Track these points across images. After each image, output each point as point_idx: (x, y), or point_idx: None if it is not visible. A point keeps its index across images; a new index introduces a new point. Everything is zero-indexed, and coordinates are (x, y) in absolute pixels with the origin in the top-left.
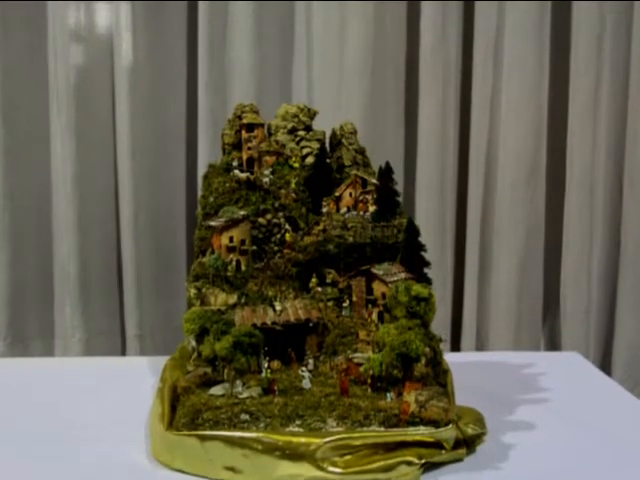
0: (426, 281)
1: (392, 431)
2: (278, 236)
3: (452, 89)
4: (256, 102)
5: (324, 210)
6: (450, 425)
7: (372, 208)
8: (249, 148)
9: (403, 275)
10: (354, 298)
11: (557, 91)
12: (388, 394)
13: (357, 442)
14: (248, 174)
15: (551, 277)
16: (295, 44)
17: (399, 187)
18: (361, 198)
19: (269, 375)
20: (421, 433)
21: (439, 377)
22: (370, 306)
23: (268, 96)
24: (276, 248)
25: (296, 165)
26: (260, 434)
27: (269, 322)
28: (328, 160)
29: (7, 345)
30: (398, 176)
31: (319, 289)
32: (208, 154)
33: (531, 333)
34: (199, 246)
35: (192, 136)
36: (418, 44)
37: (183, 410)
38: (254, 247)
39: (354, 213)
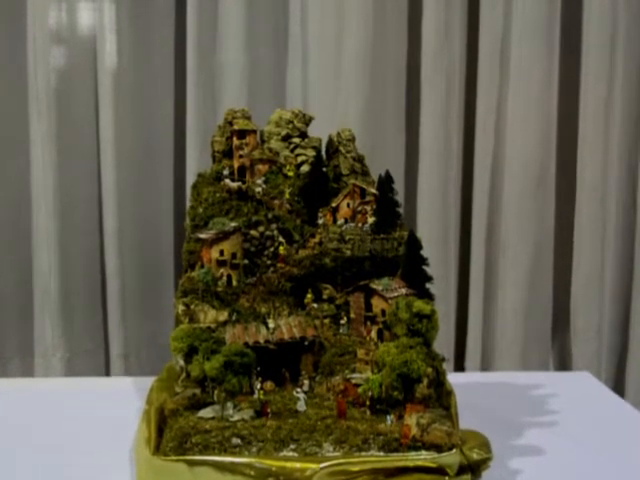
0: (428, 297)
1: (392, 456)
2: (271, 249)
3: (456, 93)
4: (248, 107)
5: (320, 222)
6: (454, 450)
7: (371, 219)
8: (240, 156)
9: (404, 291)
10: (352, 315)
11: (567, 96)
12: (388, 417)
13: (355, 468)
14: (239, 183)
15: (561, 293)
16: (289, 45)
17: (400, 197)
18: (359, 209)
19: (262, 397)
20: (423, 458)
21: (442, 399)
22: (369, 323)
23: (261, 101)
24: (269, 262)
25: (290, 174)
26: (252, 459)
27: (262, 340)
28: (324, 169)
29: None
30: (399, 186)
31: (315, 305)
32: (197, 162)
33: (539, 352)
34: (188, 260)
35: (180, 143)
36: (420, 45)
37: (171, 434)
38: (246, 261)
39: (352, 225)
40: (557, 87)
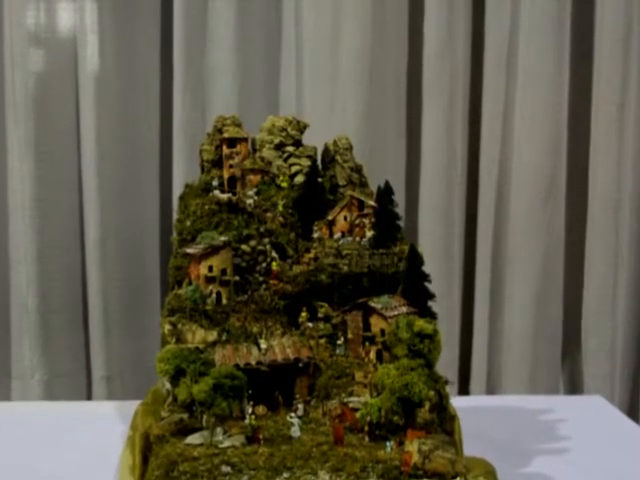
0: (431, 316)
1: None
2: (264, 265)
3: (459, 99)
4: (239, 113)
5: (315, 236)
6: (457, 478)
7: (370, 233)
8: (231, 166)
9: (404, 309)
10: (349, 335)
11: (578, 101)
12: (388, 443)
13: None
14: (230, 195)
15: (571, 311)
16: (283, 47)
17: (400, 209)
18: (357, 222)
19: (253, 422)
20: None
21: (445, 424)
22: (367, 344)
23: (252, 107)
24: (261, 279)
25: (284, 185)
26: None
27: (253, 362)
28: (320, 179)
29: None
30: (399, 197)
31: (310, 325)
32: (185, 172)
33: (549, 374)
34: (174, 276)
35: (167, 152)
36: (421, 47)
37: (157, 461)
38: (236, 277)
39: (349, 239)
40: (567, 91)
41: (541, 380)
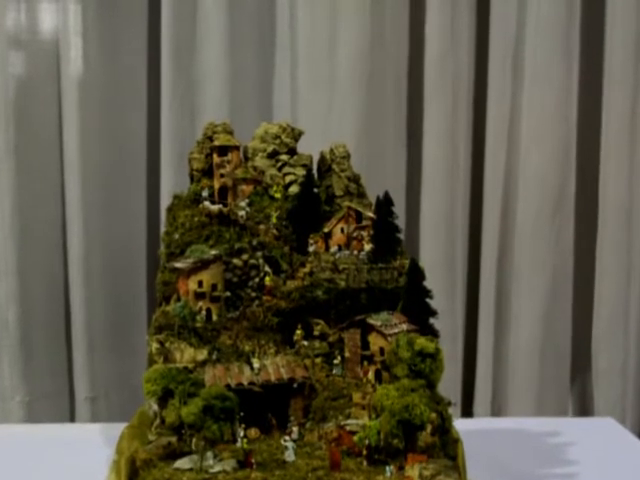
0: (432, 334)
1: None
2: (256, 280)
3: (463, 103)
4: (230, 120)
5: (311, 249)
6: None
7: (368, 247)
8: (222, 175)
9: (405, 326)
10: (347, 354)
11: (588, 107)
12: (387, 468)
13: None
14: (220, 206)
15: (581, 328)
16: (277, 50)
17: (400, 221)
18: (355, 235)
19: (245, 445)
20: None
21: (448, 448)
22: (366, 363)
23: (244, 113)
24: (254, 294)
25: (278, 195)
26: None
27: (245, 382)
28: (316, 189)
29: None
30: (399, 208)
31: (305, 343)
32: (173, 182)
33: (557, 395)
34: (162, 292)
35: (154, 160)
36: (423, 50)
37: None
38: (227, 293)
39: (347, 253)
40: (577, 96)
41: (549, 401)
